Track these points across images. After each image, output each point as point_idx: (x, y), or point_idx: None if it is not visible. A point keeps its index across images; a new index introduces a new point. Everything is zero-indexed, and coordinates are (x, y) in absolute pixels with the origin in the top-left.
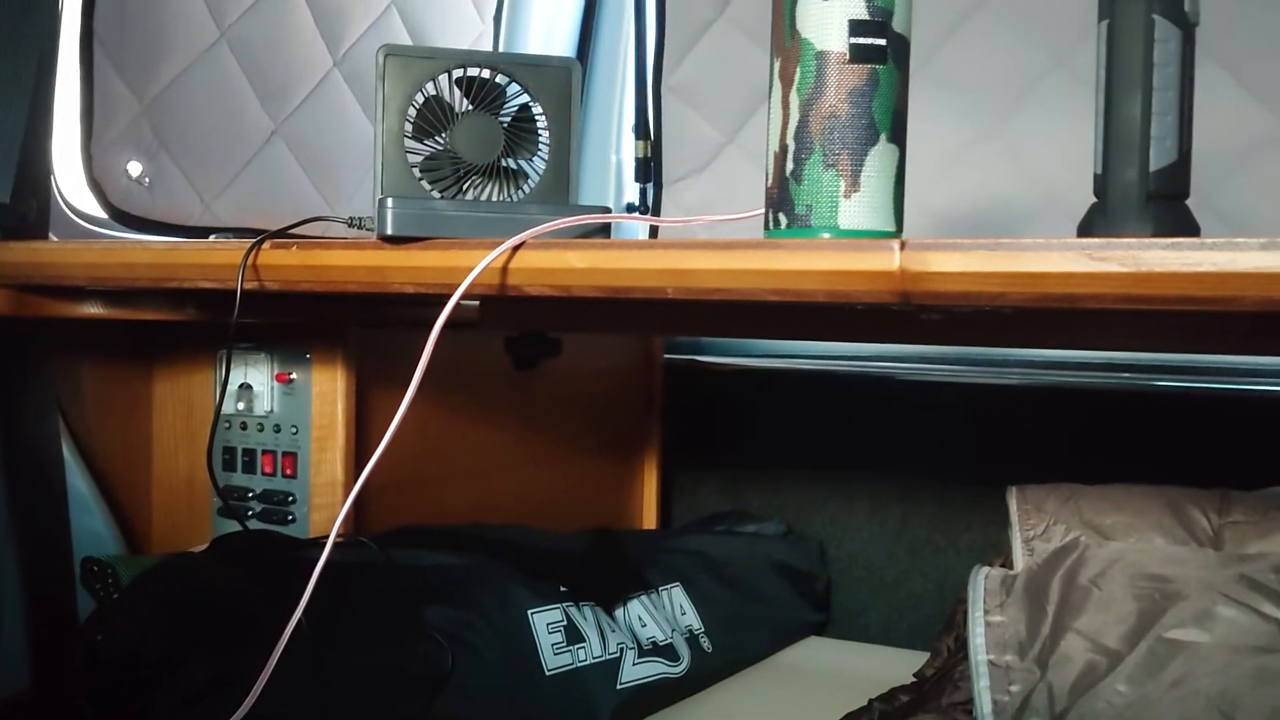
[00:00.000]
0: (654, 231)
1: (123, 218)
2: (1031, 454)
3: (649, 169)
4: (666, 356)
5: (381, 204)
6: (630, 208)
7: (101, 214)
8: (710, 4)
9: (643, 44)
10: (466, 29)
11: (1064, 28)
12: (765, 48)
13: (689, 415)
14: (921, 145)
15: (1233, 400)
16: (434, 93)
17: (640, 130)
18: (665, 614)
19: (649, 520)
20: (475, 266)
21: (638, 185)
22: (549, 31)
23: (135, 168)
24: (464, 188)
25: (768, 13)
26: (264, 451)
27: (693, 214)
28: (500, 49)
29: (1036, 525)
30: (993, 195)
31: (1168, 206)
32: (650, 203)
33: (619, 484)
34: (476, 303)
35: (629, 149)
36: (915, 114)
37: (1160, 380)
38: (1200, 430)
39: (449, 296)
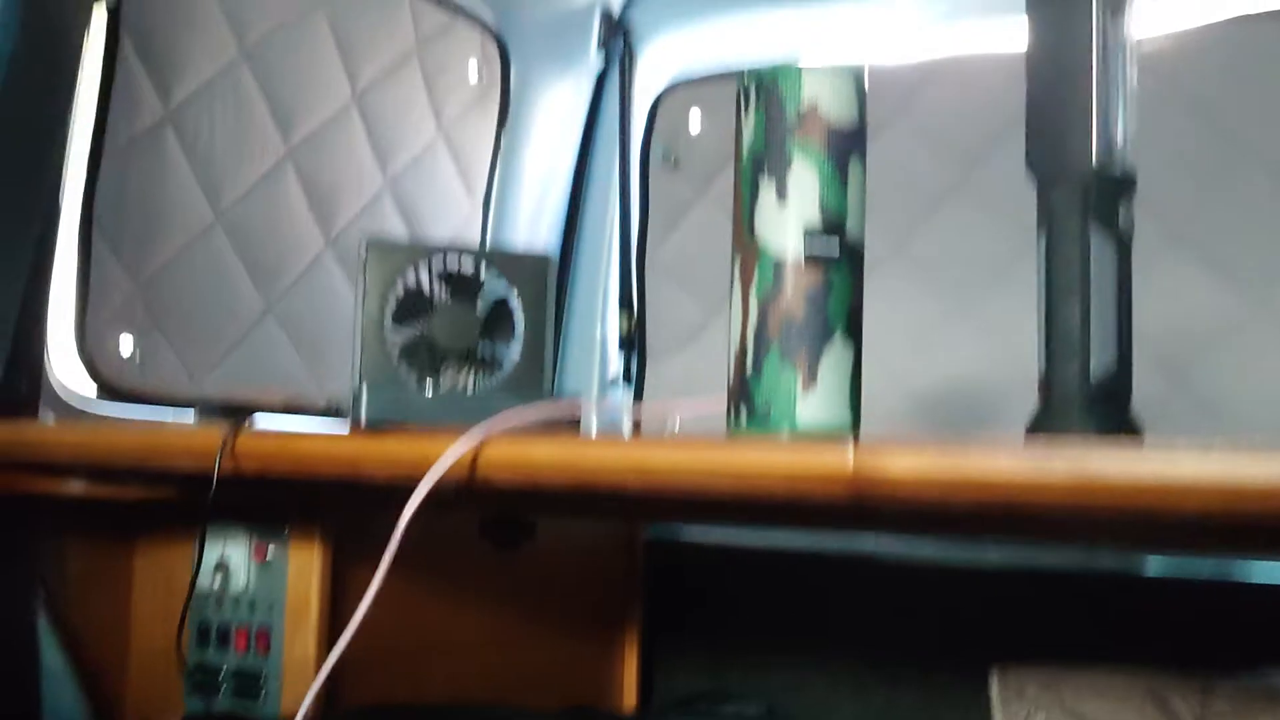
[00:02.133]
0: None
1: (112, 393)
2: (1014, 633)
3: (633, 343)
4: (647, 534)
5: (356, 392)
6: (614, 381)
7: (91, 389)
8: (692, 186)
9: (627, 222)
10: (457, 209)
11: (1034, 214)
12: None
13: (670, 592)
14: (899, 325)
15: (1213, 584)
16: (414, 282)
17: (625, 305)
18: None
19: (629, 698)
20: (443, 457)
21: (622, 358)
22: (536, 212)
23: (127, 345)
24: (440, 373)
25: None
26: (238, 627)
27: (677, 388)
28: (489, 229)
29: (1018, 712)
30: (970, 375)
31: (1110, 408)
32: (634, 376)
33: (599, 661)
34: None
35: (614, 323)
36: (893, 295)
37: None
38: (1182, 613)
39: (419, 484)
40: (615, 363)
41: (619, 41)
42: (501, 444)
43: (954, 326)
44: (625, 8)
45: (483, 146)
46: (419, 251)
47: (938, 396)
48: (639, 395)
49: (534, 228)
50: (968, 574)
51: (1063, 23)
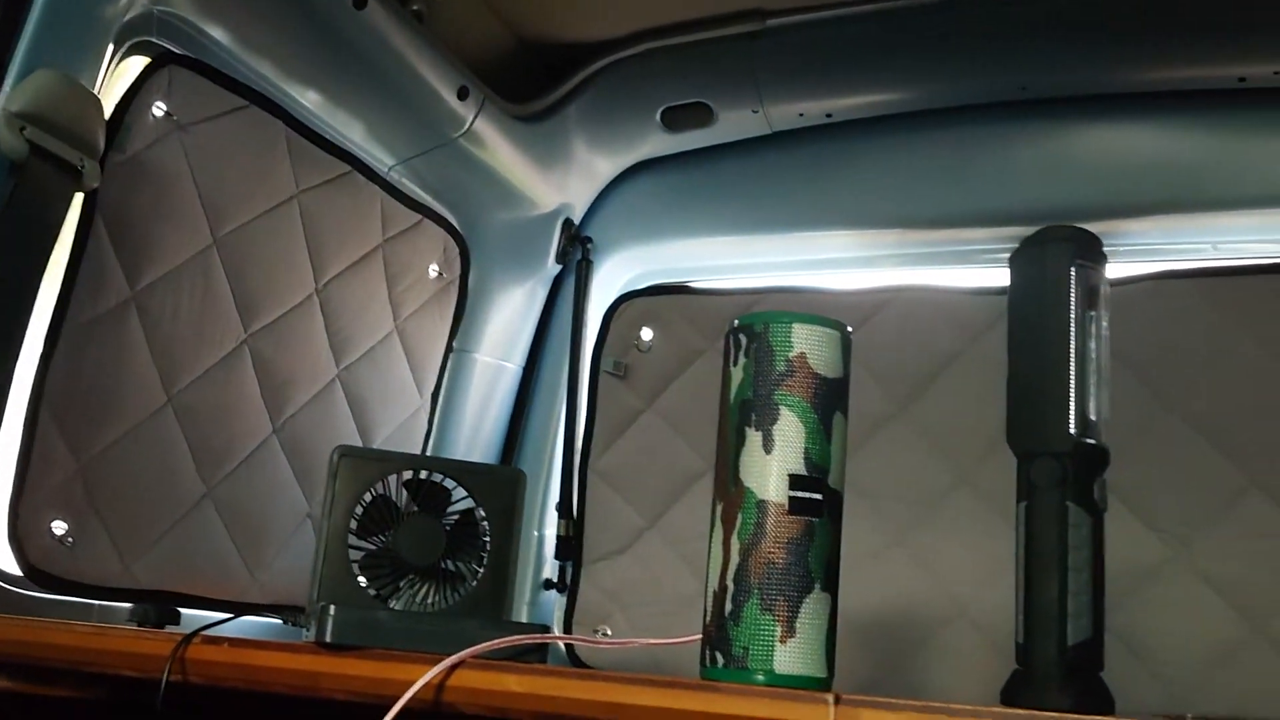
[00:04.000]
0: (572, 653)
1: (39, 576)
2: None
3: (569, 547)
4: None
5: (323, 610)
6: (549, 584)
7: (16, 571)
8: (639, 396)
9: (572, 426)
10: (406, 403)
11: (969, 447)
12: (690, 441)
13: None
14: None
15: None
16: (382, 492)
17: (563, 509)
18: None
19: None
20: (411, 681)
21: (557, 562)
22: (483, 408)
23: (60, 527)
24: (401, 586)
25: (694, 408)
26: None
27: (611, 594)
28: (435, 424)
29: None
30: (903, 601)
31: (1084, 679)
32: (569, 580)
33: None
34: None
35: (551, 525)
36: None
37: None
38: None
39: (379, 705)
40: (549, 566)
41: (578, 250)
42: (474, 672)
43: (889, 551)
44: (586, 219)
45: (436, 343)
46: (390, 462)
47: (872, 620)
48: (572, 601)
49: (479, 424)
50: None
51: (1042, 309)
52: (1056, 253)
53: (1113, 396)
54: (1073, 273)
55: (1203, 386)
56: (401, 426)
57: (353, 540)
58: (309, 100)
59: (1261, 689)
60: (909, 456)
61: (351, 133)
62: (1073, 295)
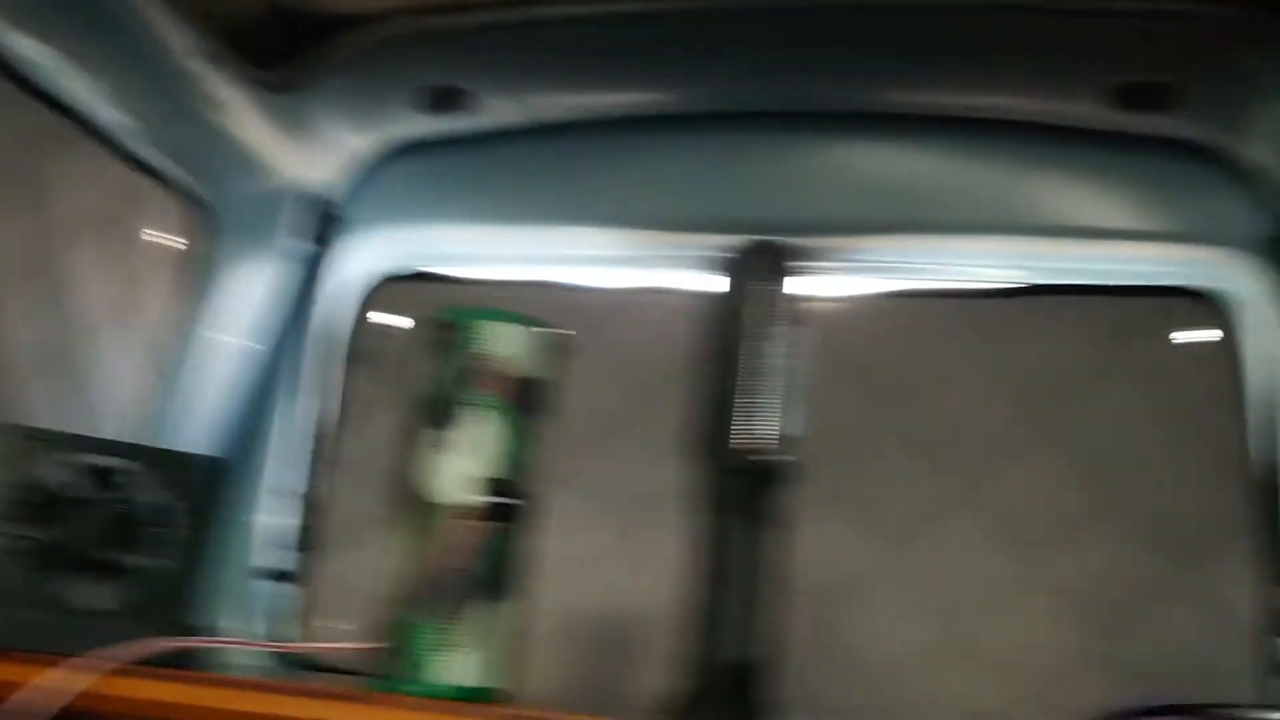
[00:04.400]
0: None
1: None
2: None
3: (304, 538)
4: None
5: None
6: (277, 575)
7: None
8: (388, 384)
9: (314, 412)
10: (137, 383)
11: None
12: None
13: None
14: (557, 548)
15: None
16: (45, 476)
17: (296, 500)
18: None
19: None
20: (51, 686)
21: (281, 551)
22: (221, 390)
23: None
24: (61, 581)
25: None
26: None
27: (341, 586)
28: (169, 406)
29: None
30: (618, 605)
31: (739, 696)
32: (299, 570)
33: None
34: None
35: (281, 514)
36: (560, 519)
37: None
38: None
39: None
40: (271, 554)
41: (330, 230)
42: (114, 678)
43: (607, 556)
44: (347, 200)
45: (173, 320)
46: (56, 441)
47: (587, 623)
48: (304, 595)
49: (216, 408)
50: None
51: (734, 321)
52: (753, 265)
53: (830, 409)
54: (766, 287)
55: (924, 405)
56: (131, 408)
57: (7, 529)
58: (26, 48)
59: (956, 696)
60: (640, 460)
61: (77, 88)
62: (764, 309)
